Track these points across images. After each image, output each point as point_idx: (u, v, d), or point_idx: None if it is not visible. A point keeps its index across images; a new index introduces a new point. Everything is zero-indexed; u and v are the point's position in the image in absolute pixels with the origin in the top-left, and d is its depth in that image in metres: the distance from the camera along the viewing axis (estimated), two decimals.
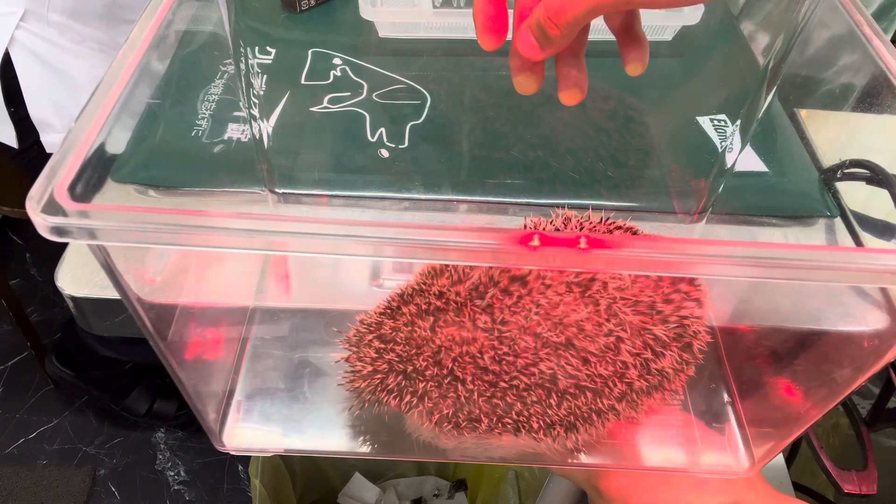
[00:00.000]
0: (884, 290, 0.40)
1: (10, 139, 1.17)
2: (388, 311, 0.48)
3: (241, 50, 0.53)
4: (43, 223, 0.28)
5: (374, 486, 1.19)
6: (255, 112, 0.60)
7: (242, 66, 0.55)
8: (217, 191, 0.69)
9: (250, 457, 1.02)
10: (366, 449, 0.54)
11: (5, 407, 1.57)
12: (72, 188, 0.29)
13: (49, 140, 1.17)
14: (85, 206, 0.29)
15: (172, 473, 1.50)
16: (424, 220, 0.67)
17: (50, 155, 0.32)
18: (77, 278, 0.64)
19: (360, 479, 1.19)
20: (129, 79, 0.35)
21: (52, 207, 0.29)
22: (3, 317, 1.62)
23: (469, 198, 0.68)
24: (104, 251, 0.34)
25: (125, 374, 1.48)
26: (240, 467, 1.51)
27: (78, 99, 1.17)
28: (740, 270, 0.31)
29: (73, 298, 0.64)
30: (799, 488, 0.74)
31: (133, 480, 1.49)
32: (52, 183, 0.29)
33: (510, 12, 0.37)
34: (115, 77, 0.34)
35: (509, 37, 0.38)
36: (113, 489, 1.47)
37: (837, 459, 0.64)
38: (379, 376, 0.48)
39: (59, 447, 1.52)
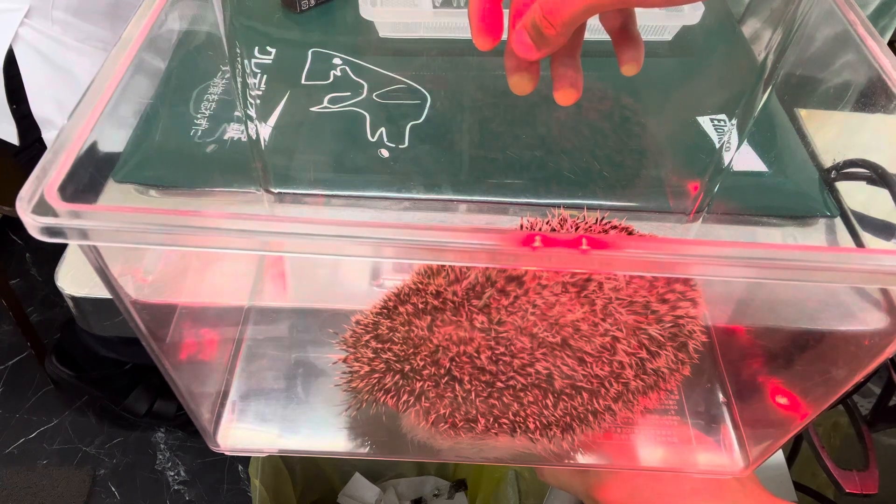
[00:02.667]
0: (883, 290, 0.40)
1: (12, 136, 1.17)
2: (385, 310, 0.48)
3: (237, 51, 0.53)
4: (33, 223, 0.28)
5: (374, 486, 1.19)
6: (252, 112, 0.60)
7: (238, 67, 0.55)
8: (217, 191, 0.69)
9: (250, 457, 1.02)
10: (361, 449, 0.54)
11: (5, 407, 1.57)
12: (62, 188, 0.29)
13: (50, 138, 1.17)
14: (75, 206, 0.28)
15: (172, 473, 1.50)
16: (424, 220, 0.67)
17: None
18: (77, 278, 0.64)
19: (360, 479, 1.19)
20: (121, 77, 0.34)
21: (42, 208, 0.28)
22: (3, 317, 1.61)
23: (469, 198, 0.68)
24: (95, 251, 0.34)
25: (125, 375, 1.48)
26: (240, 467, 1.51)
27: None
28: (747, 272, 0.31)
29: (73, 298, 0.64)
30: (799, 488, 0.73)
31: (133, 480, 1.48)
32: (42, 183, 0.29)
33: (505, 12, 0.37)
34: (107, 76, 0.34)
35: (505, 36, 0.38)
36: (113, 489, 1.47)
37: (838, 459, 0.64)
38: (376, 376, 0.48)
39: (59, 447, 1.52)
